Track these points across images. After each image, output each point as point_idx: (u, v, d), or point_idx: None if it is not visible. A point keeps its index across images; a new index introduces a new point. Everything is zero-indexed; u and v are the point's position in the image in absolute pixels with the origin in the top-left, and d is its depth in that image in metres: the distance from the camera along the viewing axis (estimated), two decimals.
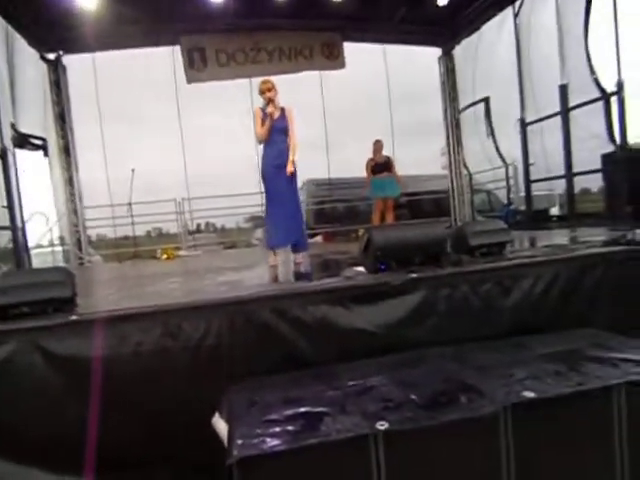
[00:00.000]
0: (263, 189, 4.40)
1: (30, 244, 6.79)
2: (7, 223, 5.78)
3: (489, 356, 2.22)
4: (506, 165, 8.67)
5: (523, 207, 8.36)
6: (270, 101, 4.16)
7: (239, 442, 1.56)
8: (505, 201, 9.18)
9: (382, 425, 1.59)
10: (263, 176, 4.28)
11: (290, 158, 4.19)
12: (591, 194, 7.49)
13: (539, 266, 2.85)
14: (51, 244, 8.11)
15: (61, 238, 8.31)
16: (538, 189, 8.22)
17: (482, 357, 2.22)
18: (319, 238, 9.55)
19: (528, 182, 7.84)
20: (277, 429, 1.63)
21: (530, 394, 1.74)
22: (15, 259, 5.94)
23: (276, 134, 4.18)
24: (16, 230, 5.95)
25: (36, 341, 2.14)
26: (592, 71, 6.42)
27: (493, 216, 9.27)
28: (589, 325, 2.61)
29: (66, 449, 2.06)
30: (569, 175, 6.88)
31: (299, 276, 3.65)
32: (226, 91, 8.60)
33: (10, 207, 5.79)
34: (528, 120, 7.75)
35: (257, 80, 8.88)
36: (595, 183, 7.05)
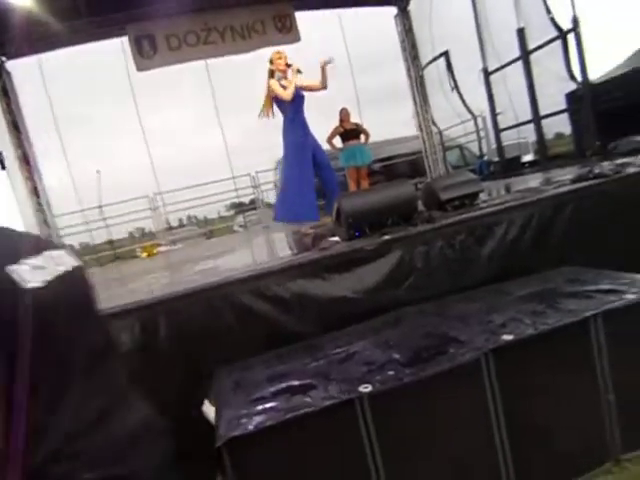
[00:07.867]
0: (285, 163, 4.02)
1: None
2: None
3: (469, 306, 2.23)
4: (474, 117, 8.65)
5: (497, 158, 8.37)
6: (287, 68, 3.91)
7: (225, 424, 1.55)
8: (478, 154, 9.19)
9: (366, 388, 1.59)
10: (294, 148, 3.90)
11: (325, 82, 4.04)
12: (565, 137, 7.51)
13: (511, 211, 2.85)
14: None
15: None
16: (510, 138, 8.23)
17: (462, 307, 2.23)
18: None
19: (497, 132, 7.82)
20: (263, 406, 1.62)
21: (508, 337, 1.75)
22: None
23: (300, 102, 3.90)
24: None
25: None
26: (548, 11, 6.36)
27: (467, 170, 9.28)
28: (567, 264, 2.64)
29: None
30: (536, 119, 6.87)
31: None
32: (184, 80, 8.35)
33: None
34: (491, 69, 7.69)
35: (213, 63, 8.72)
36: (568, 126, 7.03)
